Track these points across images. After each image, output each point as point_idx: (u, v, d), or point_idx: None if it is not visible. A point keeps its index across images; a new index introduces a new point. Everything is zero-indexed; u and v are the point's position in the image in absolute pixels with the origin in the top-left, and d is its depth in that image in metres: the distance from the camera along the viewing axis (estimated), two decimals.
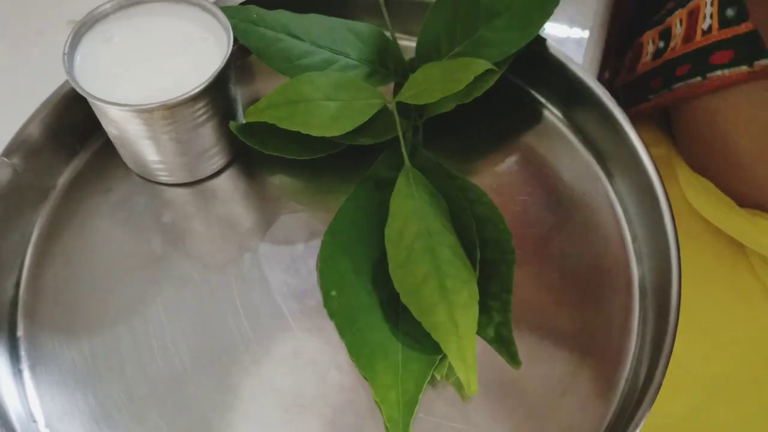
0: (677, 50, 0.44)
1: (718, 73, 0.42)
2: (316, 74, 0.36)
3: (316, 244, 0.36)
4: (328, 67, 0.38)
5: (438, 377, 0.32)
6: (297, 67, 0.37)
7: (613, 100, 0.37)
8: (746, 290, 0.45)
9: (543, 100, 0.41)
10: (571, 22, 0.47)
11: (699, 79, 0.43)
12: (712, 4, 0.41)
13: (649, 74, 0.48)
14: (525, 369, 0.32)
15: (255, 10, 0.38)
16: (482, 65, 0.35)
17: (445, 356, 0.31)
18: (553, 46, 0.39)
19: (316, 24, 0.39)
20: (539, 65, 0.40)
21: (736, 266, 0.46)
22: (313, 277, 0.35)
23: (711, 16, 0.42)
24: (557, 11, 0.37)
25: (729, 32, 0.41)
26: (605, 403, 0.32)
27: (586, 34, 0.47)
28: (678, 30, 0.45)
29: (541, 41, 0.39)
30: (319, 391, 0.32)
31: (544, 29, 0.37)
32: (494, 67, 0.36)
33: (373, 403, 0.31)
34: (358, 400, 0.32)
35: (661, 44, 0.47)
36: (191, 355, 0.33)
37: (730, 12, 0.40)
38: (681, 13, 0.45)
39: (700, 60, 0.42)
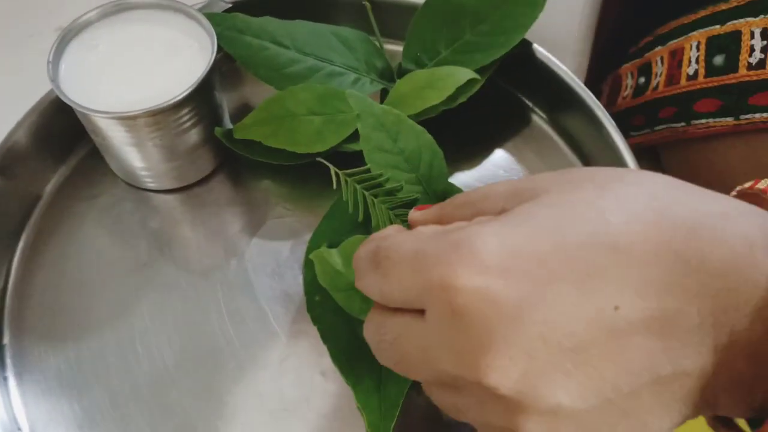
0: (660, 91, 0.43)
1: (703, 121, 0.41)
2: (300, 88, 0.36)
3: (302, 248, 0.36)
4: (313, 75, 0.38)
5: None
6: (282, 75, 0.37)
7: (599, 104, 0.37)
8: None
9: (530, 103, 0.41)
10: (558, 26, 0.47)
11: (683, 124, 0.42)
12: (698, 49, 0.41)
13: (631, 111, 0.47)
14: None
15: (240, 18, 0.38)
16: (465, 74, 0.35)
17: None
18: (539, 50, 0.39)
19: (302, 31, 0.39)
20: (526, 69, 0.40)
21: None
22: (299, 282, 0.35)
23: (697, 62, 0.41)
24: (543, 15, 0.37)
25: (716, 81, 0.40)
26: None
27: (572, 37, 0.47)
28: (659, 68, 0.44)
29: (527, 45, 0.39)
30: (304, 396, 0.32)
31: (531, 32, 0.37)
32: (477, 76, 0.36)
33: (357, 408, 0.31)
34: (342, 404, 0.32)
35: (642, 80, 0.46)
36: (176, 361, 0.33)
37: (718, 60, 0.40)
38: (662, 51, 0.44)
39: (684, 105, 0.41)
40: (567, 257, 0.21)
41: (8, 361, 0.33)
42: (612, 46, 0.50)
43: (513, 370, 0.20)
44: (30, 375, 0.33)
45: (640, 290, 0.20)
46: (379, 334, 0.24)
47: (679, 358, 0.21)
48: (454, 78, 0.35)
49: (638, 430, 0.22)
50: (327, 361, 0.32)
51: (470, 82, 0.36)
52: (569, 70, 0.39)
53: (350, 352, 0.31)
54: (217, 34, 0.35)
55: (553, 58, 0.39)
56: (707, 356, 0.21)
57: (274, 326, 0.34)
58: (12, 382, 0.33)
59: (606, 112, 0.37)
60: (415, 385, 0.31)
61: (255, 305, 0.34)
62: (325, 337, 0.32)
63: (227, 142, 0.36)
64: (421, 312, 0.22)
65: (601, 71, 0.51)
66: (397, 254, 0.23)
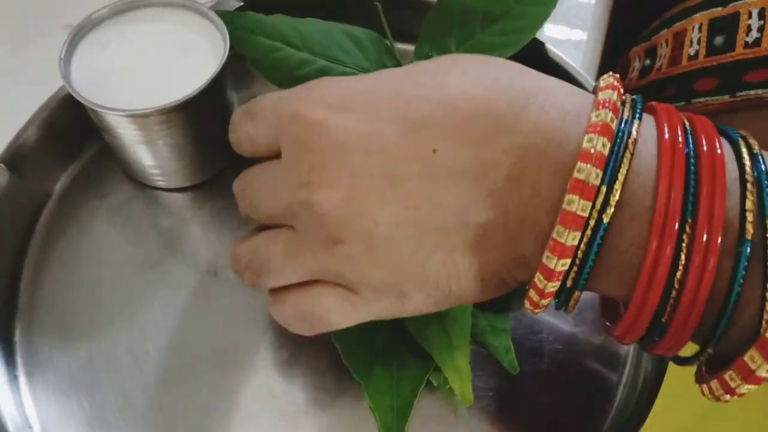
0: (663, 71, 0.44)
1: (702, 99, 0.42)
2: None
3: None
4: (323, 77, 0.37)
5: (435, 384, 0.31)
6: (293, 77, 0.37)
7: None
8: None
9: None
10: (570, 25, 0.47)
11: (683, 103, 0.43)
12: (700, 30, 0.42)
13: (636, 92, 0.47)
14: (520, 377, 0.32)
15: (252, 17, 0.38)
16: None
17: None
18: (551, 49, 0.39)
19: (313, 30, 0.38)
20: (537, 68, 0.39)
21: None
22: None
23: (699, 42, 0.42)
24: (555, 14, 0.37)
25: (715, 60, 0.41)
26: (602, 410, 0.32)
27: (584, 36, 0.46)
28: (664, 50, 0.45)
29: (539, 44, 0.39)
30: (317, 397, 0.32)
31: (542, 32, 0.37)
32: None
33: (369, 410, 0.31)
34: (355, 405, 0.32)
35: (647, 62, 0.47)
36: (187, 360, 0.33)
37: (718, 40, 0.41)
38: (667, 34, 0.45)
39: (684, 85, 0.43)
40: (400, 104, 0.24)
41: (19, 359, 0.33)
42: (625, 36, 0.50)
43: (337, 189, 0.23)
44: (41, 373, 0.33)
45: (458, 139, 0.23)
46: (244, 181, 0.28)
47: (485, 207, 0.23)
48: None
49: (450, 268, 0.24)
50: (340, 362, 0.32)
51: None
52: (581, 68, 0.39)
53: (362, 351, 0.31)
54: (229, 33, 0.35)
55: (565, 57, 0.39)
56: (511, 207, 0.23)
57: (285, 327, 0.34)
58: (23, 380, 0.33)
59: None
60: (429, 385, 0.31)
61: (266, 304, 0.34)
62: (337, 337, 0.32)
63: None
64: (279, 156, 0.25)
65: (612, 57, 0.51)
66: (266, 100, 0.27)
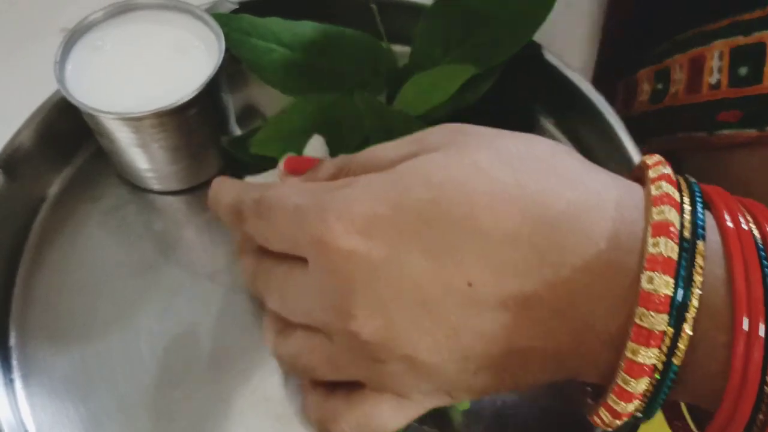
0: (680, 98, 0.43)
1: (725, 132, 0.40)
2: (305, 100, 0.36)
3: None
4: (319, 80, 0.38)
5: None
6: (288, 79, 0.37)
7: (608, 106, 0.37)
8: None
9: (538, 106, 0.41)
10: (566, 26, 0.47)
11: (705, 134, 0.42)
12: (721, 58, 0.40)
13: (648, 116, 0.47)
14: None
15: (247, 19, 0.38)
16: (466, 72, 0.35)
17: None
18: (547, 51, 0.39)
19: (308, 32, 0.38)
20: (534, 72, 0.40)
21: None
22: None
23: (720, 71, 0.40)
24: (551, 15, 0.37)
25: (740, 92, 0.39)
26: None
27: (580, 39, 0.46)
28: (678, 75, 0.44)
29: (535, 46, 0.39)
30: None
31: (540, 34, 0.37)
32: (478, 71, 0.36)
33: None
34: None
35: (660, 86, 0.46)
36: (182, 364, 0.33)
37: (743, 71, 0.39)
38: (681, 58, 0.43)
39: (706, 115, 0.41)
40: (429, 233, 0.22)
41: (14, 363, 0.33)
42: (623, 49, 0.50)
43: (373, 318, 0.22)
44: (36, 377, 0.33)
45: (496, 270, 0.22)
46: (264, 271, 0.27)
47: (533, 335, 0.22)
48: (456, 76, 0.35)
49: (497, 382, 0.23)
50: None
51: (478, 84, 0.36)
52: (577, 71, 0.38)
53: None
54: (224, 36, 0.35)
55: (562, 61, 0.39)
56: (562, 337, 0.22)
57: None
58: (18, 384, 0.33)
59: (617, 116, 0.37)
60: None
61: (262, 308, 0.34)
62: None
63: (234, 151, 0.36)
64: (304, 259, 0.25)
65: (610, 74, 0.51)
66: (280, 206, 0.25)
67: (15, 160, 0.36)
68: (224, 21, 0.37)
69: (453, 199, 0.22)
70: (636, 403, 0.21)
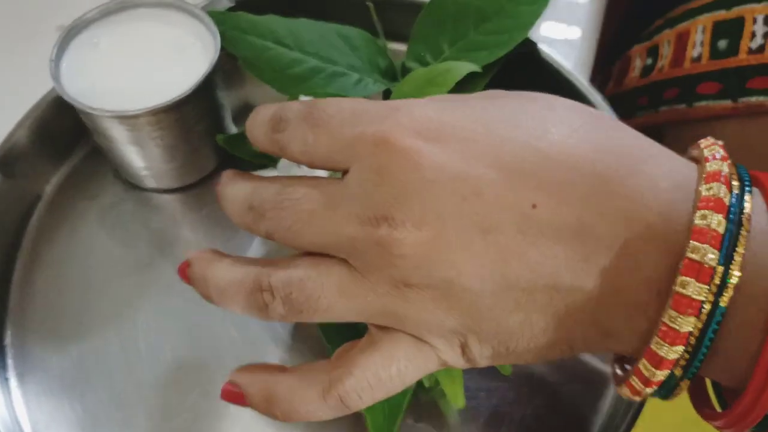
0: (665, 72, 0.44)
1: (703, 103, 0.41)
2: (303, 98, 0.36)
3: None
4: (316, 77, 0.37)
5: (426, 385, 0.31)
6: (285, 77, 0.37)
7: (605, 102, 0.37)
8: None
9: None
10: (562, 24, 0.47)
11: (684, 106, 0.43)
12: (703, 32, 0.41)
13: (637, 91, 0.48)
14: (511, 378, 0.32)
15: (244, 17, 0.38)
16: (464, 68, 0.35)
17: None
18: (543, 49, 0.39)
19: (305, 30, 0.38)
20: (530, 68, 0.39)
21: None
22: None
23: (702, 44, 0.41)
24: (547, 12, 0.37)
25: (718, 64, 0.40)
26: (594, 409, 0.32)
27: (577, 35, 0.46)
28: (666, 50, 0.45)
29: (531, 44, 0.39)
30: None
31: (536, 31, 0.37)
32: (476, 68, 0.36)
33: (358, 412, 0.31)
34: None
35: (649, 61, 0.47)
36: (178, 361, 0.33)
37: (722, 44, 0.40)
38: (669, 34, 0.45)
39: (687, 87, 0.42)
40: (498, 145, 0.21)
41: (9, 361, 0.33)
42: (624, 34, 0.50)
43: (422, 230, 0.21)
44: (32, 376, 0.33)
45: (561, 196, 0.21)
46: (263, 192, 0.24)
47: (580, 272, 0.21)
48: (453, 72, 0.35)
49: (525, 328, 0.22)
50: None
51: (475, 80, 0.36)
52: (573, 67, 0.38)
53: None
54: (221, 33, 0.35)
55: (557, 57, 0.39)
56: (608, 277, 0.21)
57: (276, 327, 0.34)
58: (14, 382, 0.33)
59: (612, 110, 0.37)
60: (420, 386, 0.31)
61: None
62: (329, 338, 0.32)
63: (230, 149, 0.36)
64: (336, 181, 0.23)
65: (611, 54, 0.51)
66: (336, 109, 0.23)
67: (11, 158, 0.36)
68: (221, 19, 0.37)
69: (528, 120, 0.22)
70: (678, 350, 0.20)
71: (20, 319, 0.34)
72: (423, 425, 0.31)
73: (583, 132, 0.22)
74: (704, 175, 0.21)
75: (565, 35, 0.47)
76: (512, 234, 0.21)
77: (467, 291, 0.21)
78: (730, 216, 0.20)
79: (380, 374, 0.23)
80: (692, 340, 0.20)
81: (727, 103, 0.40)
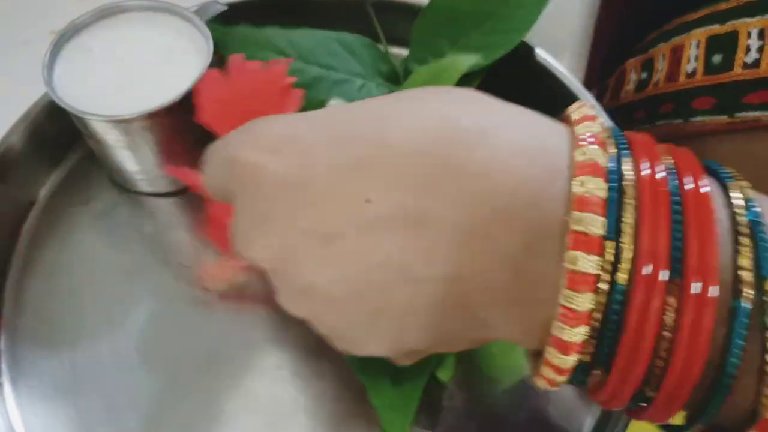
0: (660, 87, 0.44)
1: (699, 119, 0.41)
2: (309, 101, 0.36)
3: None
4: (318, 85, 0.38)
5: (445, 380, 0.31)
6: None
7: (599, 106, 0.37)
8: None
9: (528, 107, 0.41)
10: (557, 28, 0.47)
11: (680, 121, 0.42)
12: (698, 47, 0.41)
13: (633, 105, 0.47)
14: (505, 381, 0.32)
15: (244, 31, 0.38)
16: (467, 60, 0.35)
17: (447, 357, 0.31)
18: (540, 53, 0.39)
19: (305, 39, 0.39)
20: (525, 72, 0.39)
21: None
22: None
23: (696, 59, 0.41)
24: (543, 16, 0.37)
25: (713, 79, 0.40)
26: (588, 411, 0.32)
27: (571, 40, 0.46)
28: (661, 65, 0.44)
29: (527, 48, 0.39)
30: (301, 402, 0.32)
31: (532, 35, 0.37)
32: (479, 60, 0.36)
33: (355, 413, 0.31)
34: (339, 410, 0.31)
35: (644, 75, 0.47)
36: (173, 366, 0.33)
37: (716, 58, 0.40)
38: (664, 48, 0.44)
39: (682, 102, 0.42)
40: (336, 148, 0.21)
41: (3, 367, 0.33)
42: (618, 44, 0.50)
43: (271, 245, 0.22)
44: (25, 381, 0.33)
45: (395, 185, 0.20)
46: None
47: (432, 260, 0.20)
48: (456, 66, 0.35)
49: (395, 330, 0.21)
50: (325, 367, 0.32)
51: (468, 83, 0.36)
52: (569, 71, 0.38)
53: None
54: (222, 45, 0.35)
55: (554, 61, 0.39)
56: (465, 261, 0.20)
57: (271, 331, 0.33)
58: (7, 388, 0.32)
59: (606, 115, 0.37)
60: (431, 382, 0.31)
61: (252, 310, 0.34)
62: (359, 369, 0.32)
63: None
64: None
65: (607, 68, 0.51)
66: (214, 145, 0.26)
67: (4, 164, 0.36)
68: (221, 33, 0.37)
69: (366, 116, 0.22)
70: (583, 330, 0.19)
71: (14, 324, 0.34)
72: (421, 425, 0.31)
73: (422, 113, 0.21)
74: (574, 140, 0.20)
75: (559, 39, 0.47)
76: (353, 236, 0.20)
77: (326, 296, 0.22)
78: (611, 182, 0.19)
79: None
80: (596, 322, 0.19)
81: (723, 118, 0.40)
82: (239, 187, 0.23)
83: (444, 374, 0.31)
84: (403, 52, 0.42)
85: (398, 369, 0.30)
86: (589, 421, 0.32)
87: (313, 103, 0.36)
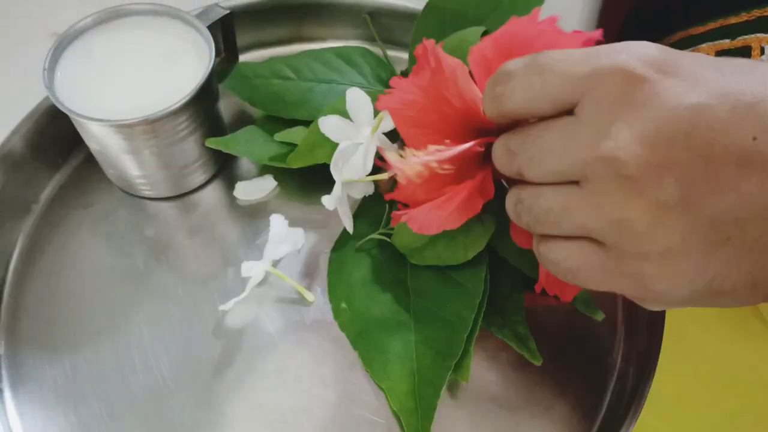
0: None
1: None
2: (329, 110, 0.36)
3: (300, 257, 0.35)
4: (322, 100, 0.38)
5: (464, 382, 0.31)
6: (288, 105, 0.38)
7: None
8: (753, 328, 0.44)
9: None
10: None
11: None
12: None
13: None
14: (513, 382, 0.32)
15: (246, 66, 0.39)
16: (478, 31, 0.36)
17: (463, 358, 0.31)
18: None
19: (304, 60, 0.39)
20: None
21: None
22: (298, 292, 0.34)
23: None
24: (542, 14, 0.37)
25: None
26: (590, 416, 0.32)
27: None
28: None
29: None
30: (303, 406, 0.32)
31: None
32: (487, 29, 0.36)
33: (356, 417, 0.31)
34: (341, 414, 0.31)
35: None
36: (173, 371, 0.33)
37: None
38: None
39: None
40: (729, 84, 0.22)
41: (3, 372, 0.33)
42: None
43: (648, 150, 0.22)
44: (25, 386, 0.33)
45: None
46: (523, 137, 0.25)
47: None
48: (469, 38, 0.35)
49: (730, 264, 0.23)
50: (326, 371, 0.32)
51: None
52: None
53: (381, 357, 0.32)
54: (230, 86, 0.38)
55: None
56: None
57: (272, 336, 0.33)
58: (7, 393, 0.32)
59: None
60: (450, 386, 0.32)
61: (253, 314, 0.34)
62: (355, 344, 0.32)
63: (225, 149, 0.36)
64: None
65: None
66: (563, 54, 0.24)
67: (5, 166, 0.36)
68: (229, 77, 0.39)
69: (744, 63, 0.23)
70: None
71: (14, 328, 0.34)
72: (453, 424, 0.31)
73: None
74: None
75: None
76: (734, 165, 0.22)
77: (679, 215, 0.22)
78: None
79: (565, 266, 0.25)
80: None
81: None
82: (619, 97, 0.23)
83: (462, 376, 0.31)
84: (403, 55, 0.42)
85: (416, 376, 0.31)
86: (599, 412, 0.32)
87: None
